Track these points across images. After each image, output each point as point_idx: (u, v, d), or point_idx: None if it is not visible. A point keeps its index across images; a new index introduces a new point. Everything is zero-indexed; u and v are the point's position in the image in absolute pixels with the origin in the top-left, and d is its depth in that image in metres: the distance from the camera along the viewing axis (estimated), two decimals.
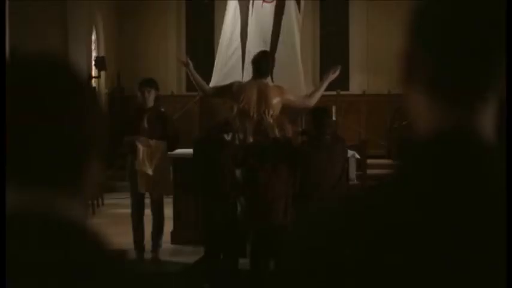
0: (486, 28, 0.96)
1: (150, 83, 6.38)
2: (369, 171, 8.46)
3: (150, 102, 6.30)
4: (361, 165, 8.03)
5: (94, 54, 12.57)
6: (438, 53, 0.98)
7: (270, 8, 7.95)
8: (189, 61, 6.03)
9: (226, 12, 8.30)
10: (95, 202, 9.34)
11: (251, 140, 5.79)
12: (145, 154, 6.19)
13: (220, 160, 5.54)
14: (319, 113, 5.46)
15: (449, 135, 0.98)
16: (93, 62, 12.19)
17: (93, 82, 12.13)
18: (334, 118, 10.01)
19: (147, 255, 6.39)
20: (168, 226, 6.86)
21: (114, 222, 7.62)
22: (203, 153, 5.69)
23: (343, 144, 5.66)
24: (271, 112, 5.77)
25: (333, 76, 6.09)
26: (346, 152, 5.72)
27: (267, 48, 7.31)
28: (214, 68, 8.08)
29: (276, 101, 5.89)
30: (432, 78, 0.99)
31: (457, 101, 0.99)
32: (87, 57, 11.87)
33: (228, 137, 5.63)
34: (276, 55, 7.61)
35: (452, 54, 0.97)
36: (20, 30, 8.33)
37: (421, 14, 1.01)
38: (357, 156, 7.05)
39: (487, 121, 0.98)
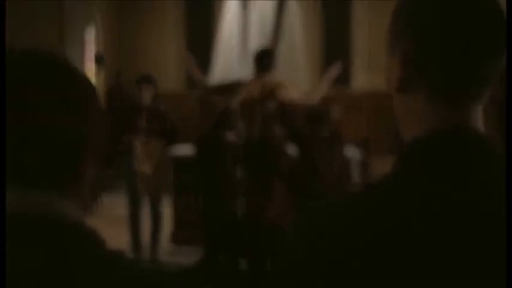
0: (479, 27, 0.98)
1: (148, 79, 6.32)
2: (372, 170, 8.43)
3: (148, 99, 6.23)
4: (363, 164, 8.00)
5: (93, 52, 12.56)
6: (436, 53, 0.99)
7: (270, 5, 7.93)
8: (190, 56, 5.96)
9: (227, 9, 8.27)
10: (93, 202, 9.30)
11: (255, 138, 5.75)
12: (143, 153, 6.14)
13: (220, 159, 5.52)
14: (315, 112, 5.44)
15: (449, 134, 0.98)
16: (93, 60, 12.18)
17: (93, 80, 12.12)
18: (336, 116, 10.00)
19: (146, 255, 6.37)
20: (168, 226, 6.84)
21: (112, 222, 7.59)
22: (204, 153, 5.66)
23: (341, 143, 5.63)
24: (274, 111, 5.73)
25: (334, 73, 6.04)
26: (342, 151, 5.68)
27: (268, 45, 7.27)
28: (214, 67, 8.05)
29: (279, 99, 5.86)
30: (431, 78, 1.00)
31: (456, 101, 1.00)
32: (86, 56, 11.86)
33: (229, 136, 5.60)
34: (277, 52, 7.58)
35: (449, 54, 0.98)
36: (17, 28, 8.29)
37: (416, 16, 1.01)
38: (360, 154, 7.02)
39: (487, 121, 1.01)
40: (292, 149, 5.60)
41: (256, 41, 7.67)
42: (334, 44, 14.00)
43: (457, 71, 0.98)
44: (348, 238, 0.94)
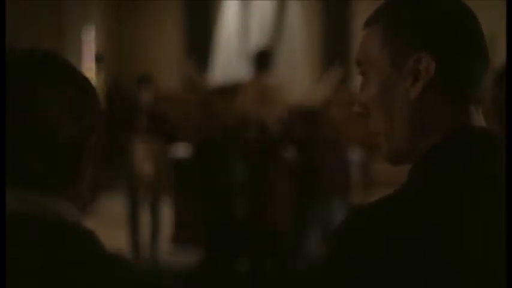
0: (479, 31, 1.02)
1: (148, 79, 6.31)
2: (373, 171, 8.40)
3: (148, 99, 6.22)
4: (364, 165, 7.98)
5: (93, 52, 12.56)
6: (454, 55, 1.00)
7: (270, 5, 7.93)
8: (191, 62, 5.98)
9: (227, 9, 8.26)
10: (92, 202, 9.28)
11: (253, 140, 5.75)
12: (143, 153, 6.13)
13: (220, 160, 5.51)
14: (314, 113, 5.44)
15: (462, 133, 0.99)
16: (92, 60, 12.18)
17: (93, 80, 12.11)
18: (336, 117, 10.00)
19: (146, 255, 6.36)
20: (168, 226, 6.83)
21: (111, 222, 7.58)
22: (204, 154, 5.66)
23: (341, 143, 5.63)
24: (274, 112, 5.73)
25: (333, 75, 6.05)
26: (342, 152, 5.67)
27: (268, 45, 7.27)
28: (214, 67, 8.04)
29: (279, 100, 5.86)
30: (452, 81, 1.00)
31: (473, 101, 1.01)
32: (85, 56, 11.85)
33: (229, 136, 5.60)
34: (277, 52, 7.58)
35: (466, 56, 1.00)
36: (17, 28, 8.29)
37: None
38: (360, 156, 7.01)
39: (488, 122, 1.02)
40: (292, 150, 5.59)
41: (256, 41, 7.66)
42: (334, 44, 13.99)
43: (474, 71, 1.00)
44: (380, 242, 0.93)
